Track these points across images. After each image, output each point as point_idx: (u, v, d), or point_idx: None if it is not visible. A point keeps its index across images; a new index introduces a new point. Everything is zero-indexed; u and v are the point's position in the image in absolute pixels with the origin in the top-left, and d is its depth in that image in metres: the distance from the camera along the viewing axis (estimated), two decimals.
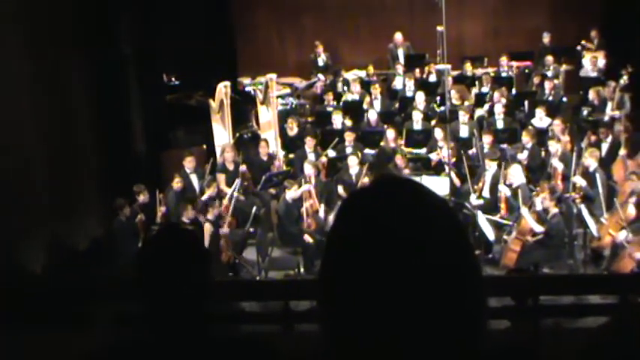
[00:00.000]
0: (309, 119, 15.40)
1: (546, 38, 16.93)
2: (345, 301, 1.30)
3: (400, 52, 17.15)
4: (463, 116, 13.19)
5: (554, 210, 10.08)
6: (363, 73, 16.70)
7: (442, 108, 14.59)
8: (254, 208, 11.30)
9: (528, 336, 6.26)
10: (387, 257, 1.27)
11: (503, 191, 10.82)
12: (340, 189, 11.92)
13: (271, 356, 2.31)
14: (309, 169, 11.54)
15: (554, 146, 11.56)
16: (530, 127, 12.71)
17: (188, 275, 2.28)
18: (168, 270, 2.26)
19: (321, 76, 16.74)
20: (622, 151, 11.60)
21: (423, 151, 13.01)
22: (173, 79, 15.75)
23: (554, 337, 6.50)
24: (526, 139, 12.13)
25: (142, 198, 10.89)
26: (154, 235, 2.45)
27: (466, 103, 14.40)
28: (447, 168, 11.72)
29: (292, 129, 13.79)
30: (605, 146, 11.95)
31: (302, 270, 10.71)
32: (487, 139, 12.25)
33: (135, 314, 2.33)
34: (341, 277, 1.31)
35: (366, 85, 15.57)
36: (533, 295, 7.08)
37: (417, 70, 16.29)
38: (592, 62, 15.50)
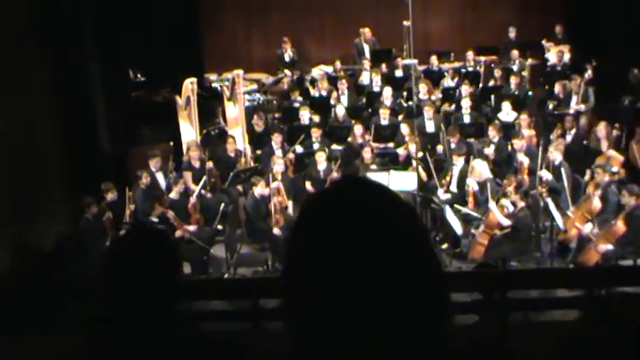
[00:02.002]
0: (277, 115, 15.37)
1: (512, 33, 17.05)
2: (308, 299, 1.33)
3: (366, 48, 17.17)
4: (428, 111, 13.23)
5: (521, 204, 10.15)
6: (329, 69, 16.69)
7: (409, 103, 14.65)
8: (222, 205, 11.27)
9: (496, 330, 6.30)
10: (347, 255, 1.30)
11: (471, 185, 10.88)
12: (308, 185, 11.93)
13: (241, 355, 2.29)
14: (279, 166, 11.51)
15: (518, 143, 11.63)
16: (496, 122, 12.77)
17: (158, 275, 2.25)
18: (138, 269, 2.23)
19: (287, 72, 16.70)
20: None
21: (391, 146, 13.03)
22: (139, 75, 15.61)
23: (522, 331, 6.55)
24: (492, 133, 12.19)
25: (111, 196, 10.79)
26: (123, 234, 2.42)
27: (433, 98, 14.44)
28: (414, 163, 11.75)
29: (259, 125, 13.75)
30: (568, 138, 12.06)
31: (271, 266, 10.71)
32: (454, 134, 12.29)
33: (103, 315, 2.30)
34: (303, 276, 1.34)
35: (332, 81, 15.56)
36: (501, 289, 7.12)
37: (384, 66, 16.30)
38: (557, 56, 15.62)
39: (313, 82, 15.89)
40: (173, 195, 11.10)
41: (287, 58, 17.33)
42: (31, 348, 4.40)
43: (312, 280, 1.32)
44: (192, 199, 11.10)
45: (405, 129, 12.69)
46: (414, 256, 1.33)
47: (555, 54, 15.77)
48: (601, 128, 11.71)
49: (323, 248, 1.31)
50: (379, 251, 1.30)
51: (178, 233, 10.57)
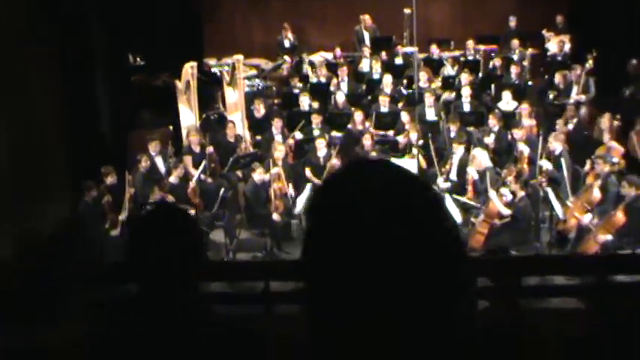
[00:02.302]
0: (276, 101, 15.33)
1: (512, 22, 17.01)
2: (325, 284, 1.32)
3: (366, 35, 17.12)
4: (429, 99, 13.20)
5: (521, 193, 10.17)
6: (329, 55, 16.65)
7: (409, 90, 14.64)
8: (221, 190, 11.26)
9: (508, 316, 6.32)
10: (363, 237, 1.28)
11: (471, 174, 10.88)
12: (308, 171, 11.92)
13: (259, 342, 2.28)
14: (279, 152, 11.50)
15: (518, 132, 11.63)
16: (496, 111, 12.77)
17: (182, 254, 2.24)
18: (162, 248, 2.21)
19: (287, 58, 16.66)
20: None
21: (391, 133, 13.03)
22: (139, 59, 15.56)
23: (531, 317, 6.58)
24: (492, 122, 12.18)
25: (110, 180, 10.77)
26: (146, 214, 2.39)
27: (432, 86, 14.42)
28: (414, 150, 11.75)
29: (259, 111, 13.73)
30: (570, 126, 12.06)
31: (270, 251, 10.73)
32: (454, 122, 12.29)
33: (116, 298, 2.30)
34: (320, 261, 1.33)
35: (332, 68, 15.53)
36: (513, 275, 7.15)
37: (384, 53, 16.26)
38: (558, 46, 15.60)
39: (312, 65, 15.84)
40: (173, 179, 11.09)
41: (287, 44, 17.28)
42: (40, 334, 4.40)
43: (329, 264, 1.30)
44: (192, 184, 11.10)
45: (405, 117, 12.70)
46: (432, 234, 1.32)
47: (556, 44, 15.75)
48: (604, 120, 11.70)
49: (338, 231, 1.30)
50: (395, 230, 1.28)
51: None
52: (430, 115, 13.16)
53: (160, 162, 11.75)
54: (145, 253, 2.22)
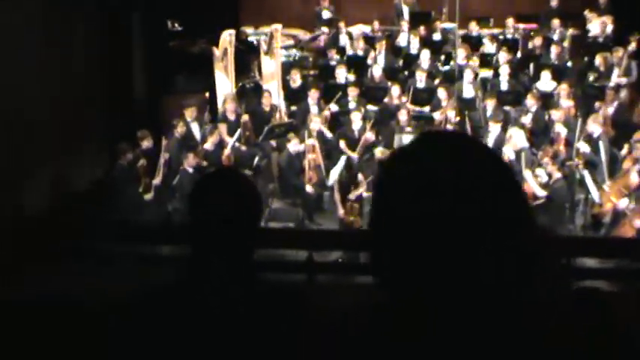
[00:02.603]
0: (312, 72, 15.27)
1: (554, 1, 16.72)
2: (396, 254, 1.31)
3: (405, 9, 16.97)
4: (468, 76, 13.08)
5: (557, 175, 10.07)
6: (367, 29, 16.53)
7: (446, 67, 14.52)
8: (255, 159, 11.27)
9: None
10: (434, 209, 1.27)
11: (507, 154, 10.79)
12: (342, 143, 11.88)
13: (313, 307, 2.27)
14: (315, 123, 11.48)
15: (556, 113, 11.51)
16: (534, 91, 12.63)
17: (241, 221, 2.23)
18: (223, 213, 2.21)
19: (324, 29, 16.57)
20: None
21: (427, 109, 12.94)
22: (176, 25, 15.55)
23: None
24: (531, 102, 12.05)
25: (146, 144, 10.82)
26: (206, 177, 2.37)
27: (470, 63, 14.28)
28: (450, 127, 11.67)
29: (295, 81, 13.69)
30: (610, 110, 11.89)
31: (302, 222, 10.75)
32: (491, 100, 12.19)
33: (167, 256, 2.29)
34: (390, 231, 1.32)
35: (370, 41, 15.43)
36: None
37: (422, 28, 16.11)
38: (600, 27, 15.36)
39: (350, 36, 15.75)
40: (208, 145, 11.11)
41: (325, 16, 17.16)
42: (89, 282, 4.43)
43: (400, 235, 1.30)
44: (227, 151, 11.11)
45: (442, 93, 12.59)
46: (505, 205, 1.30)
47: (598, 25, 15.49)
48: None
49: (410, 202, 1.29)
50: (466, 203, 1.27)
51: None
52: (468, 92, 13.05)
53: (195, 128, 11.77)
54: (206, 215, 2.22)
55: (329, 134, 12.16)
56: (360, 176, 10.71)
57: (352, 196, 10.49)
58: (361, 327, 1.40)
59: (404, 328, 1.32)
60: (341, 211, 10.46)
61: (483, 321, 1.28)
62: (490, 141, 11.27)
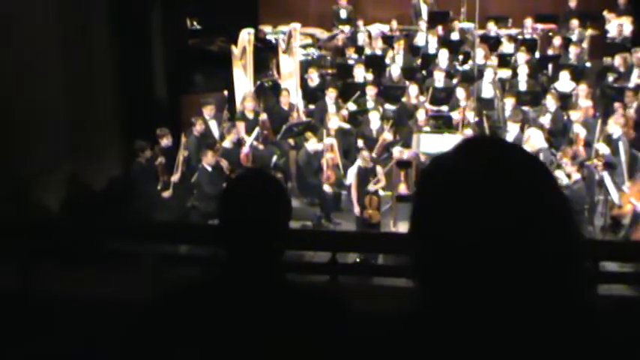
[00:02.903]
0: (330, 71, 15.28)
1: (572, 2, 16.67)
2: (438, 258, 1.31)
3: (424, 9, 16.95)
4: (488, 76, 13.04)
5: (576, 175, 10.03)
6: (385, 28, 16.52)
7: (464, 67, 14.49)
8: (274, 158, 11.29)
9: None
10: (478, 214, 1.27)
11: None
12: (360, 143, 11.87)
13: (345, 310, 2.28)
14: (333, 122, 11.49)
15: (575, 114, 11.47)
16: (553, 91, 12.59)
17: (272, 222, 2.24)
18: (253, 214, 2.22)
19: (343, 28, 16.57)
20: None
21: (445, 109, 12.92)
22: (195, 23, 15.60)
23: None
24: (550, 102, 12.01)
25: (165, 142, 10.86)
26: (237, 178, 2.39)
27: (488, 63, 14.25)
28: (467, 128, 11.64)
29: (313, 80, 13.71)
30: (630, 111, 11.82)
31: (319, 221, 10.76)
32: (510, 100, 12.15)
33: (198, 256, 2.30)
34: (433, 235, 1.32)
35: (388, 40, 15.43)
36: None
37: (440, 28, 16.09)
38: (619, 28, 15.29)
39: (369, 35, 15.75)
40: (226, 144, 11.13)
41: (343, 15, 17.16)
42: (106, 283, 4.46)
43: (441, 238, 1.30)
44: (246, 149, 11.14)
45: (461, 93, 12.55)
46: (546, 214, 1.30)
47: (616, 26, 15.43)
48: None
49: (454, 206, 1.29)
50: (511, 209, 1.27)
51: None
52: (486, 92, 13.01)
53: (214, 126, 11.80)
54: (236, 217, 2.23)
55: (347, 126, 12.16)
56: (379, 170, 10.71)
57: (371, 187, 10.50)
58: (401, 332, 1.41)
59: (446, 333, 1.32)
60: (357, 209, 10.48)
61: (528, 328, 1.28)
62: (508, 141, 11.22)
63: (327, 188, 10.85)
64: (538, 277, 1.27)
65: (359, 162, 11.03)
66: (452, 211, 1.29)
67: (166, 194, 10.47)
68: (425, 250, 1.34)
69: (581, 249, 1.34)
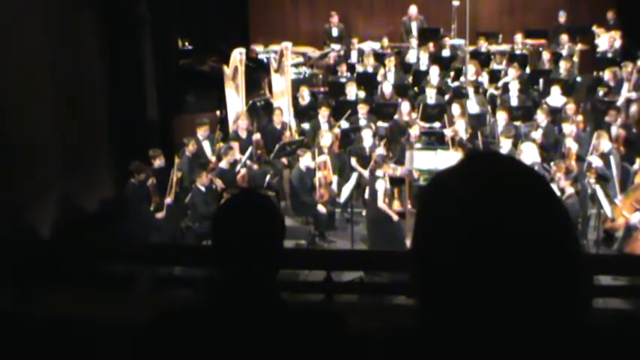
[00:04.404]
0: (322, 89, 15.32)
1: (562, 17, 16.80)
2: (440, 277, 1.31)
3: (414, 26, 17.04)
4: (470, 91, 13.15)
5: (570, 190, 10.04)
6: (377, 45, 16.59)
7: (455, 83, 14.55)
8: (267, 177, 11.29)
9: None
10: (480, 231, 1.27)
11: None
12: (353, 160, 11.89)
13: (343, 327, 2.27)
14: (326, 140, 11.50)
15: (568, 128, 11.50)
16: (544, 106, 12.64)
17: (266, 242, 2.24)
18: (246, 235, 2.22)
19: (334, 46, 16.63)
20: None
21: (437, 125, 12.95)
22: (186, 43, 15.64)
23: None
24: (541, 117, 12.05)
25: (158, 162, 10.85)
26: (230, 199, 2.38)
27: (480, 79, 14.33)
28: (461, 143, 11.67)
29: (304, 98, 13.75)
30: (614, 129, 11.83)
31: (313, 239, 10.75)
32: (502, 116, 12.19)
33: (193, 278, 2.29)
34: (435, 254, 1.32)
35: (379, 58, 15.49)
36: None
37: (431, 45, 16.17)
38: (609, 42, 15.38)
39: (361, 52, 15.82)
40: (223, 164, 11.10)
41: (334, 33, 17.24)
42: (101, 305, 4.44)
43: (444, 257, 1.29)
44: (243, 170, 11.13)
45: (456, 109, 12.56)
46: (550, 226, 1.30)
47: (606, 40, 15.53)
48: None
49: (455, 224, 1.29)
50: (512, 225, 1.27)
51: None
52: (473, 107, 13.08)
53: (207, 146, 11.81)
54: (231, 237, 2.23)
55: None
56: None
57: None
58: (402, 350, 1.41)
59: (447, 352, 1.32)
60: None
61: (533, 343, 1.28)
62: None
63: (320, 207, 10.84)
64: (542, 292, 1.27)
65: (353, 181, 11.05)
66: (453, 230, 1.29)
67: (160, 215, 10.44)
68: (426, 268, 1.34)
69: (582, 262, 1.34)
